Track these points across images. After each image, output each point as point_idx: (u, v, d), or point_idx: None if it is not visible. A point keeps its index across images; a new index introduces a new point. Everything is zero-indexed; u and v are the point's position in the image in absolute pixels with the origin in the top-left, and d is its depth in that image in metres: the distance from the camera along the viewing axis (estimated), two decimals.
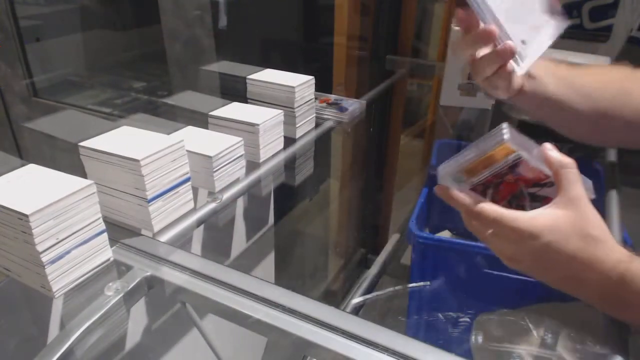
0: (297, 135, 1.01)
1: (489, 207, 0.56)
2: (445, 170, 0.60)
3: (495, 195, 0.59)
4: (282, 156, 0.94)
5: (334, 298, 1.85)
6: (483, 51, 0.67)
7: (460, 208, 0.59)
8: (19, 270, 0.58)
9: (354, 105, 1.16)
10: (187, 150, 0.71)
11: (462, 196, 0.58)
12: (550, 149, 0.57)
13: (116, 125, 0.74)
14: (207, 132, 0.84)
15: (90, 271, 0.61)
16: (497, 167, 0.56)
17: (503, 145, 0.55)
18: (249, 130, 0.86)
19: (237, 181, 0.83)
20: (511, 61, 0.66)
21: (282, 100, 0.98)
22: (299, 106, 0.99)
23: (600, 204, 0.59)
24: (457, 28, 1.11)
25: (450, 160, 0.60)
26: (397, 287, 1.06)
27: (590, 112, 0.75)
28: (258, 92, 1.01)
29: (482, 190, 0.59)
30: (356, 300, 1.08)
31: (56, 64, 1.54)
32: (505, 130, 0.55)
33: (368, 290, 1.12)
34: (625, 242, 0.72)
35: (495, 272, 0.93)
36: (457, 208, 0.60)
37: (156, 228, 0.69)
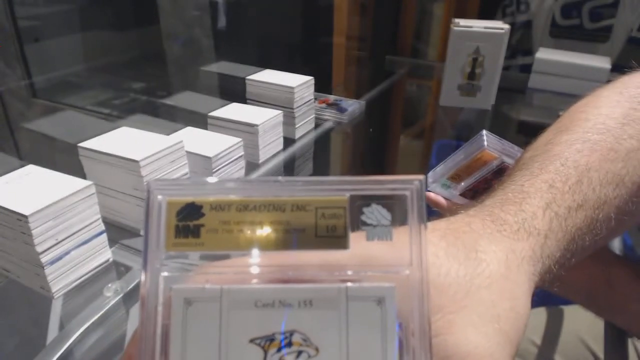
0: (297, 136, 1.01)
1: None
2: (434, 177, 0.61)
3: None
4: (281, 157, 0.94)
5: None
6: None
7: (445, 214, 0.60)
8: (18, 271, 0.58)
9: (353, 106, 1.16)
10: (186, 151, 0.71)
11: (443, 202, 0.59)
12: None
13: (115, 125, 0.74)
14: (207, 132, 0.84)
15: (89, 272, 0.61)
16: (481, 173, 0.57)
17: (483, 151, 0.55)
18: (248, 130, 0.86)
19: None
20: None
21: (282, 101, 0.98)
22: (298, 107, 0.99)
23: None
24: (456, 28, 1.12)
25: (438, 167, 0.61)
26: None
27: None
28: (257, 93, 1.01)
29: (472, 195, 0.59)
30: None
31: (55, 64, 1.54)
32: (484, 137, 0.55)
33: None
34: (625, 242, 0.72)
35: None
36: (443, 214, 0.60)
37: None
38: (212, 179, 0.21)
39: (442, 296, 0.23)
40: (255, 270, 0.21)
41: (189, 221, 0.21)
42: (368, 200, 0.21)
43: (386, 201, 0.21)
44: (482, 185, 0.58)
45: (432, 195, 0.61)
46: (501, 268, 0.24)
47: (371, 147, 1.72)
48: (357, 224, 0.21)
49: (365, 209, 0.21)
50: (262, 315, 0.20)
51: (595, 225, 0.30)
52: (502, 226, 0.27)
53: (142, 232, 0.69)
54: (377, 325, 0.20)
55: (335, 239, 0.21)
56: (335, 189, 0.21)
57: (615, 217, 0.32)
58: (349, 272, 0.21)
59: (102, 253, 0.62)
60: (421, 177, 0.21)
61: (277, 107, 0.95)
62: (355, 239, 0.21)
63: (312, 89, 1.02)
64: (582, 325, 0.71)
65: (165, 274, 0.21)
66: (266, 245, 0.21)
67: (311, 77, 1.01)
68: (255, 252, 0.21)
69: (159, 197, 0.21)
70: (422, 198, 0.21)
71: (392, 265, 0.21)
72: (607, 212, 0.31)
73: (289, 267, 0.21)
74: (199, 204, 0.21)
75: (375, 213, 0.21)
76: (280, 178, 0.21)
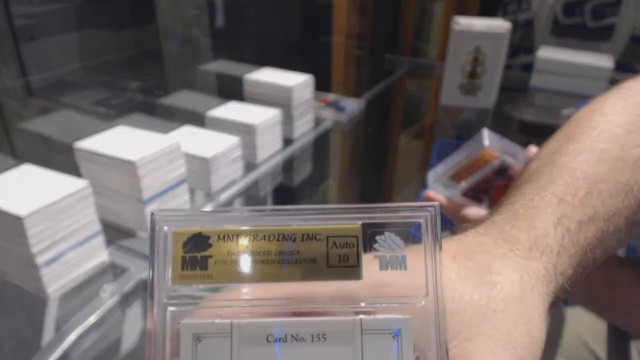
0: (295, 136, 1.00)
1: (472, 212, 0.56)
2: (435, 177, 0.60)
3: (488, 200, 0.59)
4: (279, 157, 0.94)
5: None
6: None
7: (446, 213, 0.59)
8: (14, 272, 0.57)
9: (352, 105, 1.15)
10: (183, 152, 0.70)
11: (444, 201, 0.58)
12: (532, 153, 0.56)
13: (112, 125, 0.73)
14: (204, 132, 0.83)
15: (85, 273, 0.60)
16: (482, 172, 0.56)
17: (484, 151, 0.55)
18: (246, 130, 0.86)
19: (234, 182, 0.82)
20: None
21: (280, 100, 0.97)
22: (296, 106, 0.98)
23: None
24: (457, 27, 1.11)
25: (439, 166, 0.60)
26: None
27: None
28: (255, 92, 1.00)
29: (473, 195, 0.59)
30: None
31: (51, 63, 1.53)
32: (486, 136, 0.55)
33: None
34: (628, 244, 0.71)
35: None
36: (444, 213, 0.60)
37: None
38: (219, 208, 0.21)
39: (457, 321, 0.22)
40: (265, 302, 0.21)
41: (196, 252, 0.20)
42: (381, 228, 0.20)
43: (400, 229, 0.21)
44: (483, 184, 0.58)
45: (432, 194, 0.60)
46: (515, 290, 0.24)
47: (371, 146, 1.72)
48: (369, 248, 0.20)
49: (378, 237, 0.20)
50: (274, 350, 0.19)
51: (605, 237, 0.30)
52: (514, 245, 0.26)
53: (140, 234, 0.69)
54: (394, 358, 0.19)
55: (348, 269, 0.20)
56: (347, 217, 0.20)
57: (625, 227, 0.31)
58: (363, 304, 0.20)
59: (99, 254, 0.61)
60: (435, 203, 0.21)
61: (275, 107, 0.95)
62: (368, 265, 0.20)
63: (311, 88, 1.02)
64: (584, 326, 0.71)
65: (173, 308, 0.20)
66: (276, 277, 0.20)
67: (310, 76, 1.01)
68: (265, 283, 0.20)
69: (165, 227, 0.20)
70: (436, 225, 0.20)
71: (407, 296, 0.20)
72: (617, 223, 0.31)
73: (300, 299, 0.21)
74: (206, 235, 0.20)
75: (388, 241, 0.20)
76: (289, 207, 0.21)
